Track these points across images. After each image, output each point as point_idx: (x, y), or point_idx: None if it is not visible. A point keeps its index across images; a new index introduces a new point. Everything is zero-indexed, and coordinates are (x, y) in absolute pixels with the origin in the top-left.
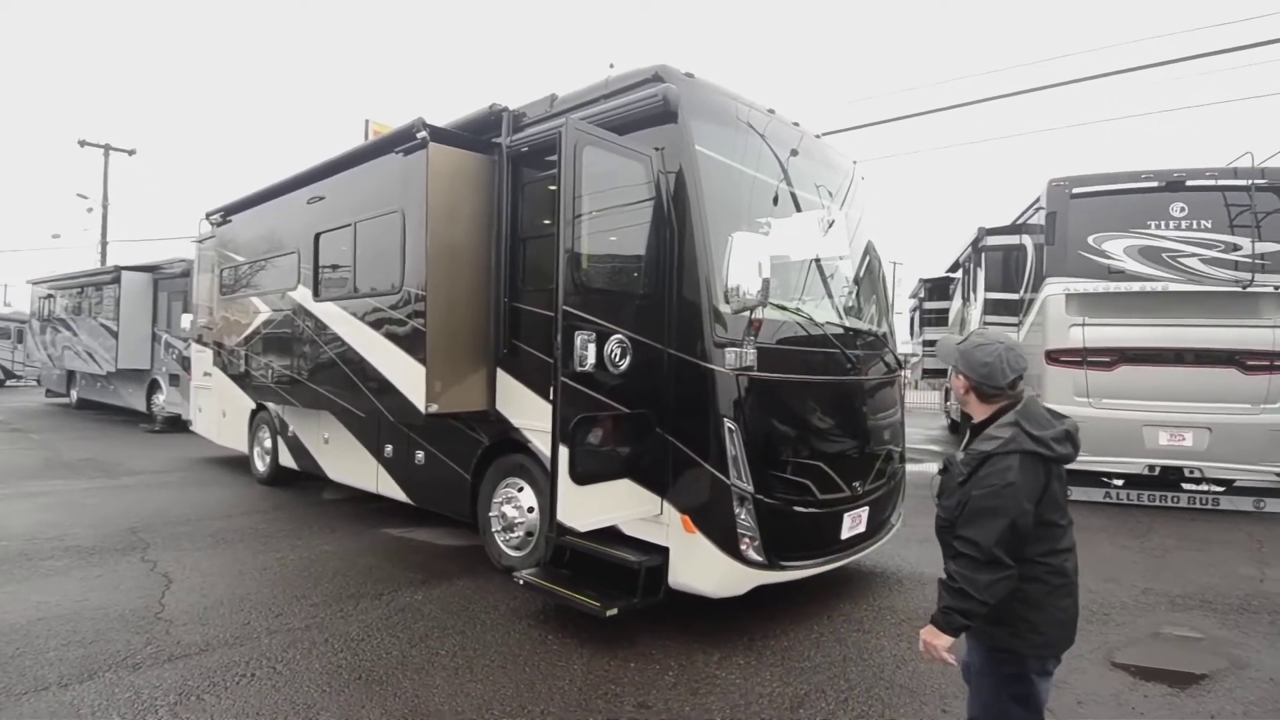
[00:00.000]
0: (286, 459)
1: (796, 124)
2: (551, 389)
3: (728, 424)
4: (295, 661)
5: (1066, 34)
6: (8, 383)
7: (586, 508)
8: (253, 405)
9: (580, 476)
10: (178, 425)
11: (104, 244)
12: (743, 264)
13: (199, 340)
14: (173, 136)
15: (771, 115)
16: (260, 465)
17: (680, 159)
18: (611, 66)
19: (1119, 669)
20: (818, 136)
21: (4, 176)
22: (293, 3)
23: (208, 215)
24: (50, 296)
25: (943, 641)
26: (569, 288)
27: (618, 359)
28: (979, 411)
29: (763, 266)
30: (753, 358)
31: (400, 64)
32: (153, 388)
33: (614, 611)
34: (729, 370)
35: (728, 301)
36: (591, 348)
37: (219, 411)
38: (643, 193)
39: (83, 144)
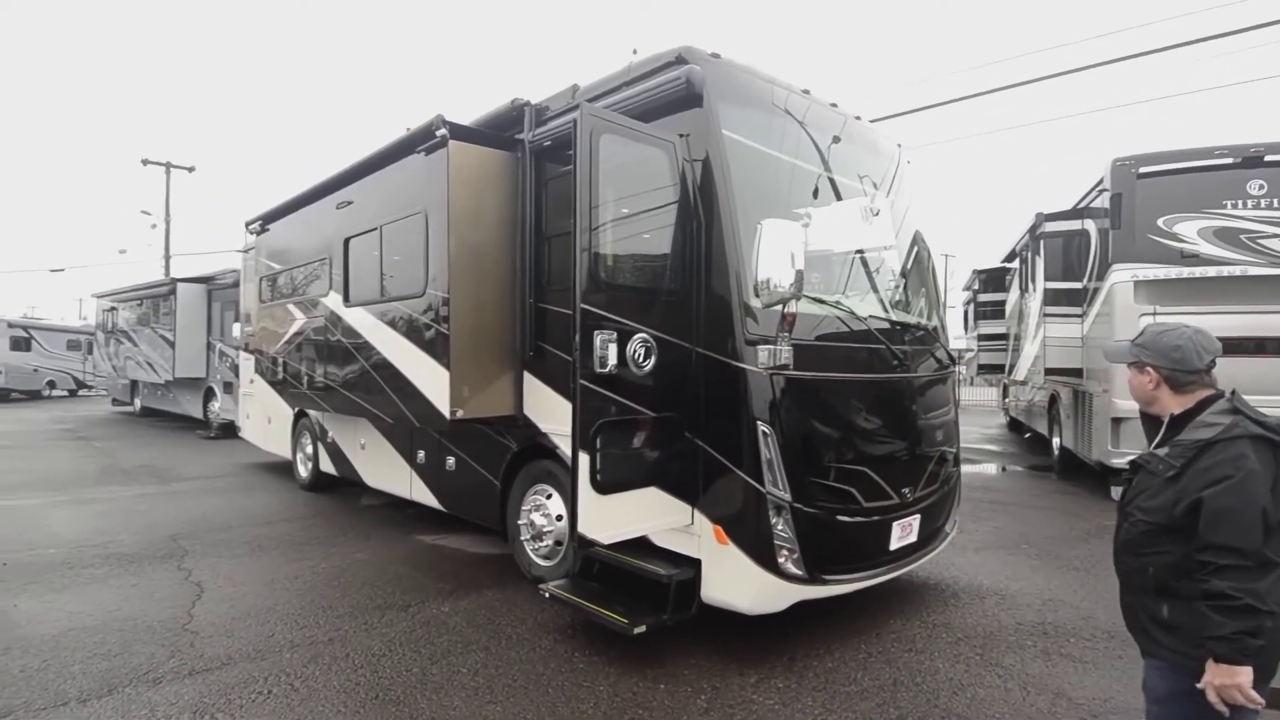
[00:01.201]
0: (327, 465)
1: (834, 105)
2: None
3: (762, 427)
4: (314, 678)
5: (1131, 6)
6: (80, 392)
7: (610, 518)
8: (295, 411)
9: (603, 485)
10: (231, 431)
11: (167, 258)
12: (773, 254)
13: (246, 348)
14: (230, 151)
15: (806, 96)
16: (303, 471)
17: (706, 145)
18: (635, 52)
19: None
20: (858, 118)
21: (75, 196)
22: (347, 13)
23: (247, 225)
24: (113, 309)
25: (1243, 677)
26: (587, 284)
27: (641, 359)
28: (1173, 404)
29: (795, 257)
30: (788, 355)
31: (448, 66)
32: (208, 395)
33: (642, 629)
34: (762, 369)
35: (758, 295)
36: (612, 347)
37: (265, 418)
38: (666, 182)
39: (145, 163)
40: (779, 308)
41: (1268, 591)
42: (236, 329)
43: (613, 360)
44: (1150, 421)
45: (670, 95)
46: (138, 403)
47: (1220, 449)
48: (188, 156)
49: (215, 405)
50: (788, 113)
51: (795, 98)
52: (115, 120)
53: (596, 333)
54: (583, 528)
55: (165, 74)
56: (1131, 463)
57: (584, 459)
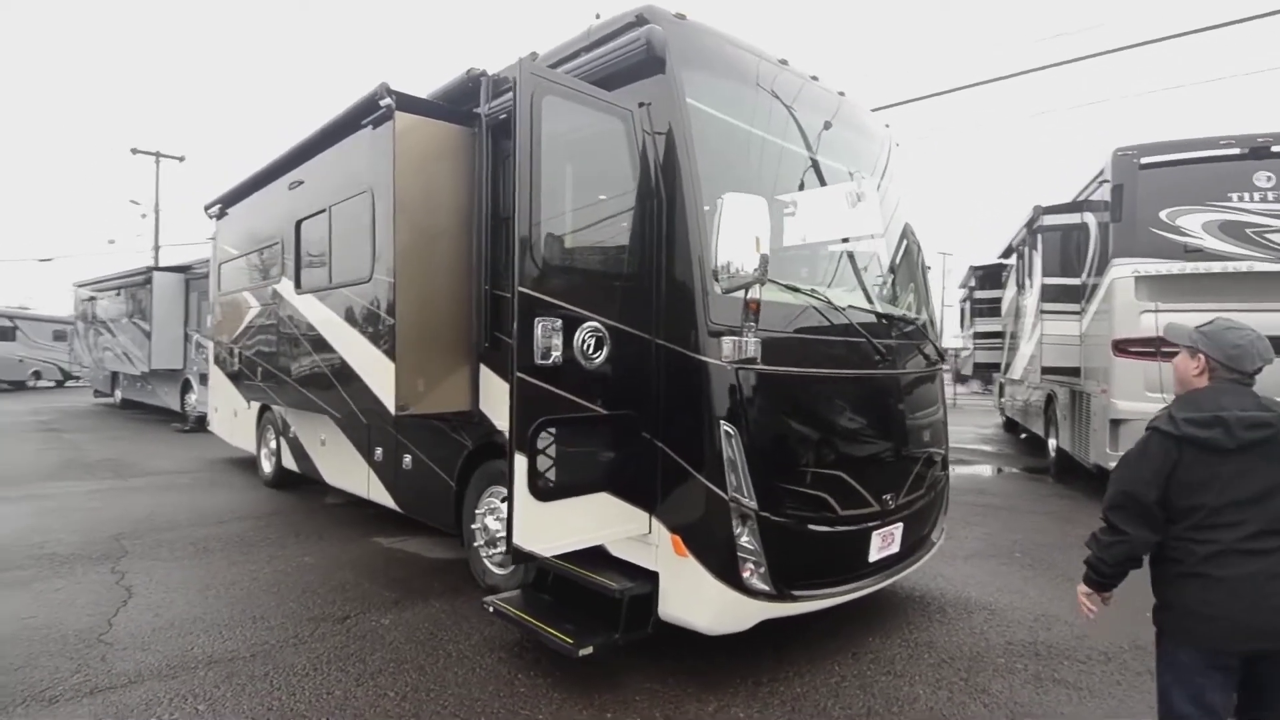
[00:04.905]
0: (289, 461)
1: (815, 78)
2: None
3: (725, 426)
4: (224, 701)
5: None
6: (66, 383)
7: (553, 527)
8: (260, 404)
9: (542, 491)
10: (206, 424)
11: (156, 248)
12: (735, 232)
13: (212, 338)
14: (221, 140)
15: (784, 67)
16: (266, 467)
17: (669, 116)
18: (598, 17)
19: None
20: (841, 94)
21: (63, 185)
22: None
23: (206, 209)
24: (92, 299)
25: (1081, 587)
26: (529, 268)
27: (591, 350)
28: None
29: (761, 240)
30: (755, 348)
31: (438, 46)
32: (185, 387)
33: (588, 650)
34: (726, 363)
35: (717, 279)
36: (557, 337)
37: (231, 411)
38: (624, 156)
39: (135, 152)
40: (741, 294)
41: (1104, 545)
42: (210, 319)
43: (557, 351)
44: None
45: (630, 59)
46: (118, 394)
47: (1142, 438)
48: (178, 146)
49: (192, 397)
50: (762, 84)
51: (771, 67)
52: (105, 109)
53: (538, 320)
54: (518, 538)
55: (156, 63)
56: None
57: (521, 461)
